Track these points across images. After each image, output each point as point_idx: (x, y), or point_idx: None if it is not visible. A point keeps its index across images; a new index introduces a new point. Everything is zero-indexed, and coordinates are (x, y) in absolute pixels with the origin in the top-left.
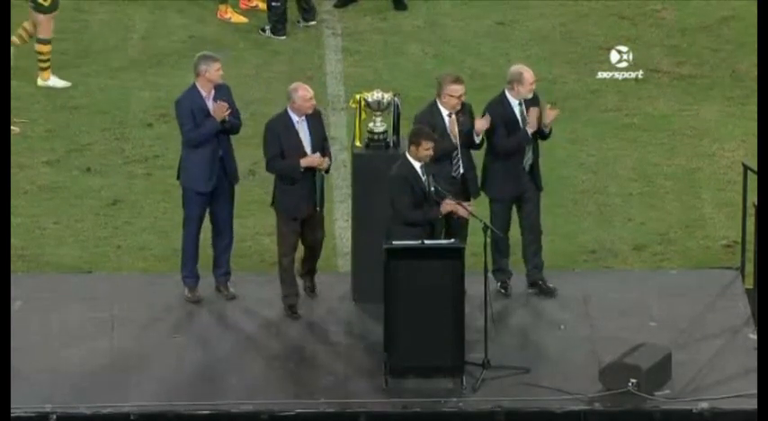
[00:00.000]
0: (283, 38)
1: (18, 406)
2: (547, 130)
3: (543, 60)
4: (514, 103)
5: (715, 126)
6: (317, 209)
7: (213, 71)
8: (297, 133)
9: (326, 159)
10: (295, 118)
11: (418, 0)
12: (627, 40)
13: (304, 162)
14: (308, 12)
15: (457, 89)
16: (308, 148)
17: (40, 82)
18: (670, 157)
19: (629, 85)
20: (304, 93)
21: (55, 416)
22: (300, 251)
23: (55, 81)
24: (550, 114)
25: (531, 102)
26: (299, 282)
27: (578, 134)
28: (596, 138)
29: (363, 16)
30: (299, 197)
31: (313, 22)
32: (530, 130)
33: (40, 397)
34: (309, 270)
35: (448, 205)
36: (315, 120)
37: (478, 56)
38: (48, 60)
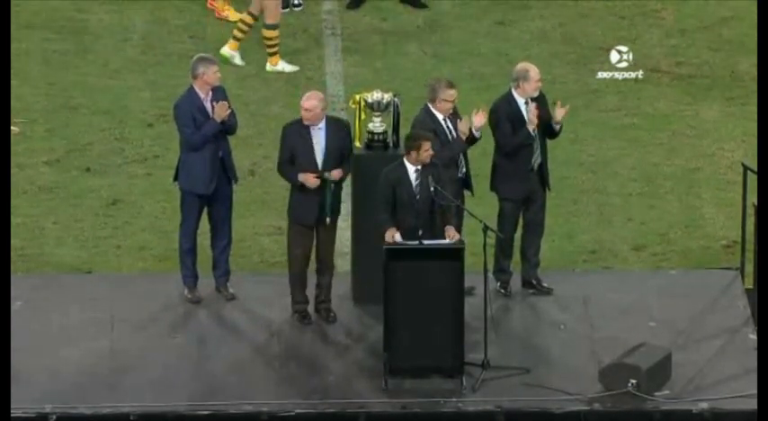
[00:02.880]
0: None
1: (18, 406)
2: (558, 128)
3: (543, 60)
4: (521, 101)
5: (715, 126)
6: (328, 219)
7: (211, 73)
8: (311, 142)
9: (336, 171)
10: (311, 126)
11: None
12: (627, 40)
13: (300, 177)
14: None
15: (453, 94)
16: (319, 158)
17: (268, 67)
18: (670, 157)
19: (629, 85)
20: (304, 102)
21: (55, 417)
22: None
23: (284, 65)
24: (560, 112)
25: (538, 100)
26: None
27: (578, 134)
28: (596, 138)
29: (363, 16)
30: (308, 205)
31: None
32: (530, 127)
33: (40, 397)
34: (319, 285)
35: (389, 235)
36: (335, 129)
37: (478, 56)
38: (276, 46)
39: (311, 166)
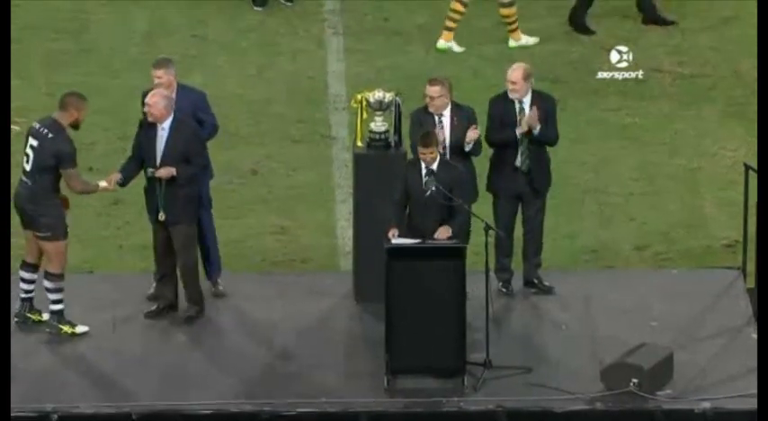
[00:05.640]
0: (260, 9)
1: (18, 406)
2: (536, 132)
3: (544, 60)
4: (514, 100)
5: (716, 126)
6: (161, 215)
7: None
8: (154, 141)
9: (163, 170)
10: (158, 125)
11: (419, 0)
12: (627, 40)
13: (101, 183)
14: None
15: (431, 90)
16: (158, 158)
17: (511, 43)
18: (671, 157)
19: (630, 85)
20: (148, 99)
21: (55, 416)
22: None
23: (526, 39)
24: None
25: (538, 101)
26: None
27: (579, 134)
28: (597, 137)
29: (365, 15)
30: (149, 200)
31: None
32: (518, 131)
33: (41, 397)
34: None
35: (390, 234)
36: (178, 131)
37: (479, 56)
38: (514, 22)
39: (151, 163)
